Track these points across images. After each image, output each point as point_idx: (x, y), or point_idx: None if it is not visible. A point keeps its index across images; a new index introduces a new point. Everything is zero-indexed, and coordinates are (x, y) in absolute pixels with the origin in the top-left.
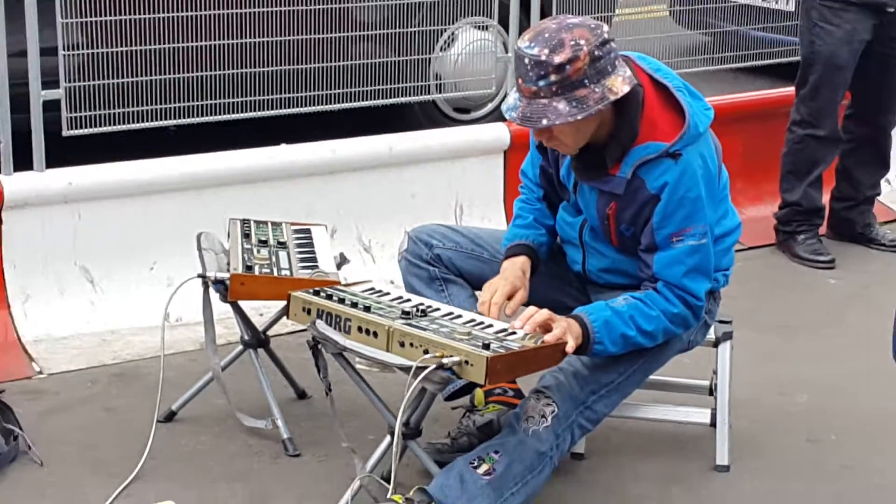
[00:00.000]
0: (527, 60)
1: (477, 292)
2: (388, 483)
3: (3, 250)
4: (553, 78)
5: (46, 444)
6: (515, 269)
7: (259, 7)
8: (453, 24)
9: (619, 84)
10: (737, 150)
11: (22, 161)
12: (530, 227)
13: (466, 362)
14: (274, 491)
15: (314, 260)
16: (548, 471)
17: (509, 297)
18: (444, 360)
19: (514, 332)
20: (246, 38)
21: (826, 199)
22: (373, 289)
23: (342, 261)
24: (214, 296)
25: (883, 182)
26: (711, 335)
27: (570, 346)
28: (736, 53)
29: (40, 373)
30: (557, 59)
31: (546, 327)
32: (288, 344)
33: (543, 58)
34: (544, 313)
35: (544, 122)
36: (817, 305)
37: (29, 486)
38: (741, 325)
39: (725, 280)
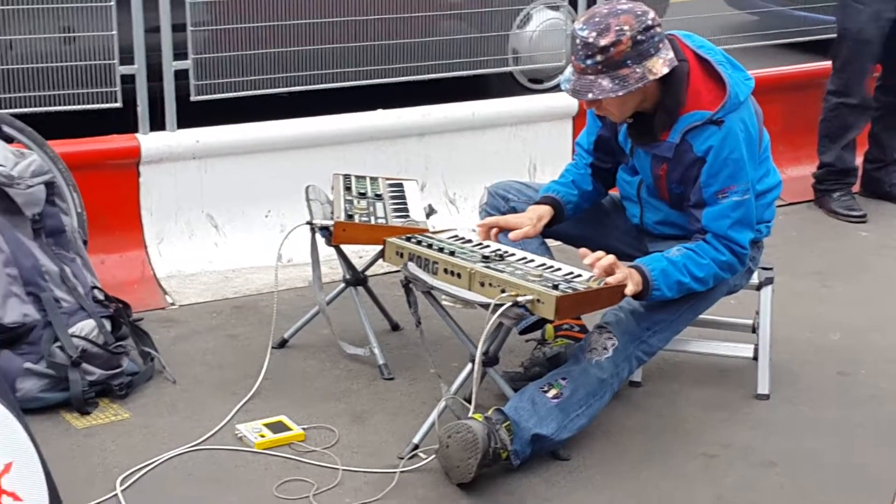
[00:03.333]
0: (578, 41)
1: (547, 240)
2: (470, 404)
3: (141, 199)
4: (598, 58)
5: (178, 366)
6: (531, 213)
7: None
8: (529, 4)
9: (659, 66)
10: (778, 116)
11: (156, 123)
12: (566, 185)
13: (538, 300)
14: (371, 409)
15: (406, 210)
16: (608, 396)
17: (511, 229)
18: (519, 299)
19: (580, 275)
20: (349, 16)
21: (859, 160)
22: (457, 236)
23: (430, 211)
24: (320, 240)
25: None
26: (755, 280)
27: (630, 289)
28: (779, 31)
29: (172, 304)
30: (602, 42)
31: (609, 271)
32: (383, 283)
33: (591, 40)
34: (610, 258)
35: (590, 95)
36: (850, 255)
37: (163, 401)
38: (781, 271)
39: (768, 231)
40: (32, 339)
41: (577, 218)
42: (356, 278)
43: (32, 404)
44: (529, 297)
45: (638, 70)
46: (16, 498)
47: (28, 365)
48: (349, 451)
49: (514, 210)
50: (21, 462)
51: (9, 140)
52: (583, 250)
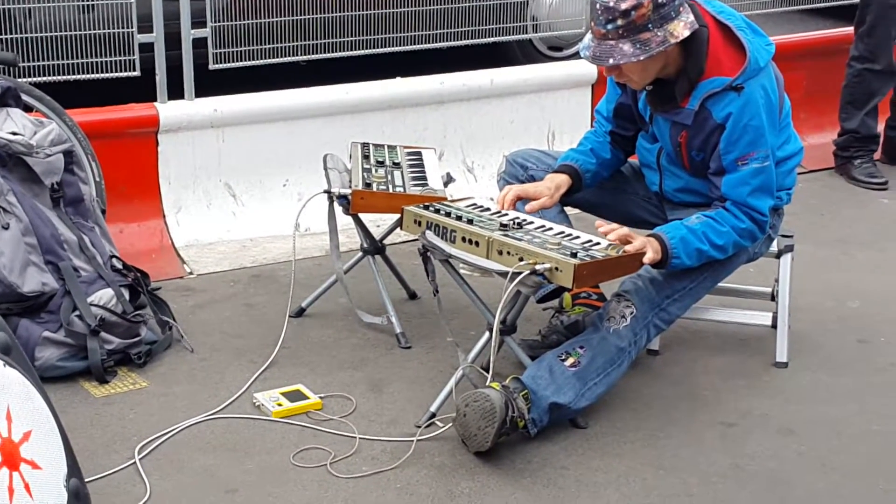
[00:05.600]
0: (598, 6)
1: (566, 208)
2: (487, 372)
3: (159, 168)
4: (619, 22)
5: (196, 335)
6: (549, 182)
7: None
8: None
9: (681, 29)
10: (801, 83)
11: (175, 91)
12: (584, 154)
13: (556, 269)
14: (388, 377)
15: (424, 178)
16: (626, 364)
17: (529, 199)
18: (537, 267)
19: (598, 243)
20: None
21: (881, 127)
22: (475, 204)
23: (448, 180)
24: (338, 209)
25: None
26: (774, 248)
27: (649, 257)
28: None
29: (191, 273)
30: (623, 6)
31: (626, 240)
32: (401, 251)
33: (612, 4)
34: (624, 230)
35: (611, 61)
36: (871, 222)
37: (182, 369)
38: (801, 239)
39: (788, 198)
40: (51, 308)
41: (596, 186)
42: (374, 247)
43: (51, 373)
44: (547, 266)
45: (659, 34)
46: (35, 466)
47: (47, 334)
48: (366, 419)
49: (532, 179)
50: (40, 430)
51: (28, 109)
52: (599, 221)
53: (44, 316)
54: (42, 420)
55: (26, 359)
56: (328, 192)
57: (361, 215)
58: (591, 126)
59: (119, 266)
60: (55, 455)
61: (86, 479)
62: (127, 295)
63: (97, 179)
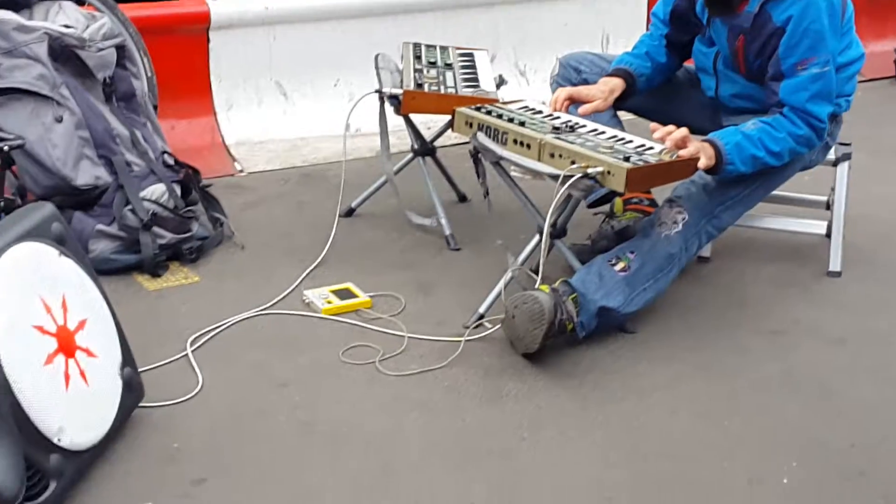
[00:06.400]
0: None
1: (619, 113)
2: (536, 275)
3: (210, 65)
4: None
5: (246, 232)
6: (603, 86)
7: None
8: None
9: None
10: None
11: None
12: (639, 57)
13: (608, 172)
14: (436, 279)
15: (476, 80)
16: (676, 271)
17: (581, 102)
18: (589, 170)
19: (651, 147)
20: None
21: None
22: (527, 107)
23: (501, 82)
24: (389, 109)
25: None
26: (831, 156)
27: (703, 163)
28: None
29: (241, 171)
30: None
31: (681, 145)
32: (451, 154)
33: None
34: (682, 131)
35: None
36: None
37: (232, 266)
38: (859, 147)
39: (847, 105)
40: (105, 202)
41: (650, 90)
42: (424, 148)
43: (105, 265)
44: (600, 169)
45: None
46: (90, 354)
47: (100, 227)
48: (415, 319)
49: (585, 82)
50: (95, 320)
51: (80, 2)
52: (653, 124)
53: (97, 209)
54: (97, 310)
55: (81, 250)
56: (379, 91)
57: (412, 116)
58: (647, 29)
59: (171, 162)
60: (110, 344)
61: (139, 370)
62: (178, 191)
63: (149, 75)
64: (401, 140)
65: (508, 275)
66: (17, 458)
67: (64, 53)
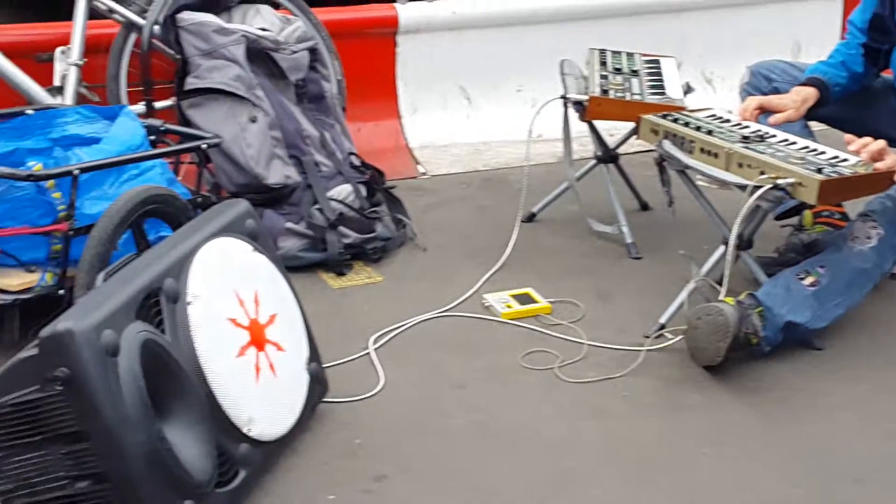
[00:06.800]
0: None
1: (810, 123)
2: (720, 287)
3: (397, 69)
4: None
5: (428, 234)
6: (795, 95)
7: None
8: None
9: None
10: None
11: None
12: (834, 66)
13: (800, 184)
14: (616, 287)
15: (662, 87)
16: (868, 287)
17: (772, 111)
18: (779, 181)
19: (846, 159)
20: None
21: None
22: (714, 115)
23: (688, 89)
24: (573, 115)
25: None
26: None
27: None
28: None
29: (424, 174)
30: None
31: (878, 157)
32: (634, 161)
33: None
34: (880, 143)
35: None
36: None
37: (414, 267)
38: None
39: None
40: (294, 201)
41: (844, 100)
42: (608, 155)
43: (292, 262)
44: (791, 180)
45: None
46: (279, 348)
47: (289, 225)
48: (594, 326)
49: (776, 91)
50: (284, 315)
51: (276, 6)
52: (848, 136)
53: (286, 208)
54: (286, 305)
55: (272, 246)
56: (564, 97)
57: (596, 123)
58: (842, 38)
59: (357, 163)
60: (298, 339)
61: (324, 365)
62: (364, 191)
63: (339, 77)
64: (583, 147)
65: (692, 285)
66: (209, 445)
67: (259, 55)
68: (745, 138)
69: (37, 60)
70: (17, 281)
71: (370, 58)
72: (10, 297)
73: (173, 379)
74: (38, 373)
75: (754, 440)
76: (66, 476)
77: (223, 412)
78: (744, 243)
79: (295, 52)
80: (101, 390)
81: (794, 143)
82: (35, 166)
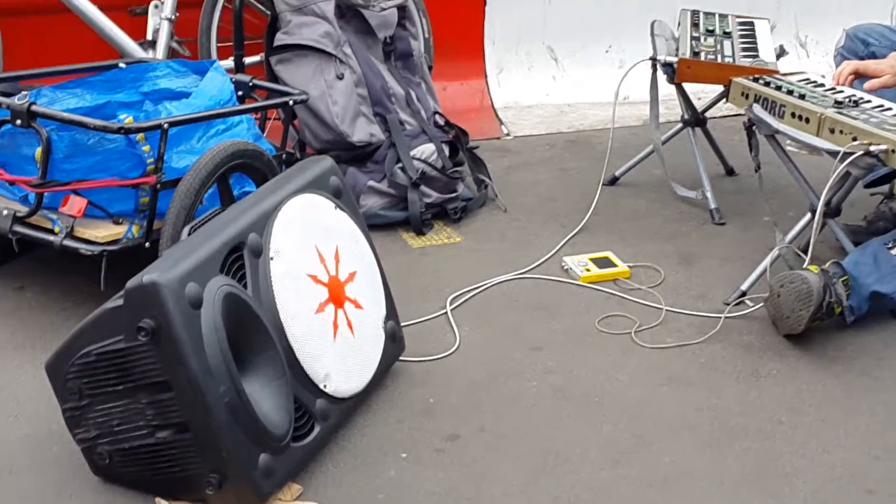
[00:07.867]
0: None
1: None
2: (805, 255)
3: (485, 28)
4: None
5: (509, 195)
6: (892, 60)
7: None
8: None
9: None
10: None
11: None
12: None
13: (893, 151)
14: (698, 251)
15: (755, 50)
16: None
17: (868, 77)
18: (872, 148)
19: None
20: None
21: None
22: (807, 79)
23: (781, 52)
24: (661, 77)
25: None
26: None
27: None
28: None
29: (507, 135)
30: None
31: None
32: (721, 126)
33: None
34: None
35: None
36: None
37: (494, 228)
38: None
39: None
40: (377, 159)
41: None
42: (695, 118)
43: (373, 220)
44: (884, 147)
45: None
46: (357, 305)
47: (371, 183)
48: (674, 292)
49: (873, 56)
50: (364, 272)
51: None
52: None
53: (369, 165)
54: (366, 263)
55: (355, 204)
56: (653, 59)
57: (685, 85)
58: None
59: (441, 122)
60: (376, 297)
61: (401, 324)
62: (447, 151)
63: (426, 36)
64: (669, 110)
65: (775, 252)
66: (287, 399)
67: (349, 12)
68: (839, 103)
69: (130, 14)
70: (105, 232)
71: (459, 16)
72: (98, 248)
73: (254, 333)
74: (123, 323)
75: (835, 411)
76: (148, 425)
77: (301, 367)
78: (831, 211)
79: (384, 9)
80: (185, 341)
81: (889, 109)
82: (126, 119)
